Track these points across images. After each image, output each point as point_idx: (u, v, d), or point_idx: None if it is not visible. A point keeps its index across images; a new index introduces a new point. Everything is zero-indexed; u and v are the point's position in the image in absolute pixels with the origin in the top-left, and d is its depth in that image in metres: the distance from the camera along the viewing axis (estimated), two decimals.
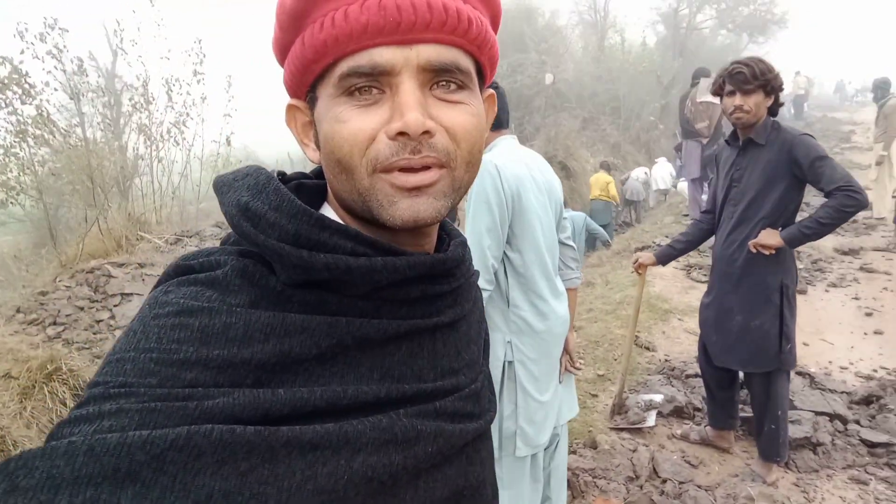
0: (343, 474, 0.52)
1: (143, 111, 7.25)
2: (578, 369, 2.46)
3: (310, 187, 0.71)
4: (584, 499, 2.74)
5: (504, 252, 2.11)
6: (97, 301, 5.01)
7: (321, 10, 0.58)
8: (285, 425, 0.51)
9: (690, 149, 8.03)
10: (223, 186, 0.64)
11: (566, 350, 2.33)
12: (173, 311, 0.54)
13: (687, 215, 8.79)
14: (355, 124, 0.58)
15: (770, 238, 2.65)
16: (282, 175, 0.69)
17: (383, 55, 0.57)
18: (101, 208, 6.37)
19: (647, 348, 4.58)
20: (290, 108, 0.68)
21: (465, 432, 0.65)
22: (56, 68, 6.35)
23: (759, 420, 2.97)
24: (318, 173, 0.73)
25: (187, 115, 7.74)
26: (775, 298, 2.74)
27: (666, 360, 4.38)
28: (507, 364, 2.15)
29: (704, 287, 5.88)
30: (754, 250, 2.70)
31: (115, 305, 4.89)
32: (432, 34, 0.58)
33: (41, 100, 6.10)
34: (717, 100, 8.02)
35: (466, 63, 0.61)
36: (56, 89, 6.54)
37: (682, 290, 5.85)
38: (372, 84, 0.58)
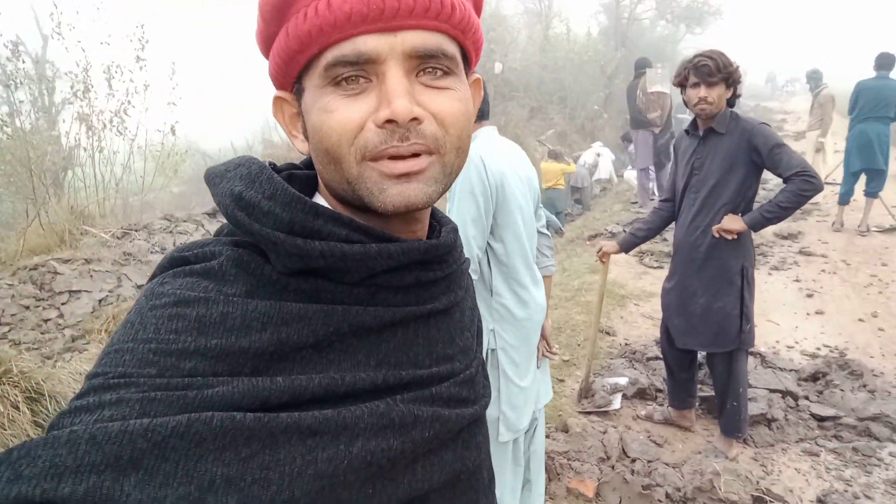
0: (343, 459, 0.53)
1: (84, 99, 6.90)
2: (555, 354, 2.52)
3: (301, 178, 0.71)
4: (560, 481, 2.82)
5: (487, 242, 2.13)
6: (43, 299, 4.78)
7: (304, 1, 0.58)
8: (285, 412, 0.51)
9: (642, 138, 8.24)
10: (215, 177, 0.64)
11: (543, 336, 2.38)
12: (170, 302, 0.55)
13: (636, 202, 9.03)
14: (343, 114, 0.58)
15: (733, 223, 2.76)
16: (272, 166, 0.69)
17: (368, 43, 0.57)
18: (42, 202, 6.06)
19: (608, 333, 4.71)
20: (276, 100, 0.68)
21: (462, 417, 0.67)
22: None
23: (722, 398, 3.11)
24: (308, 164, 0.73)
25: (129, 102, 7.43)
26: (737, 281, 2.87)
27: (626, 344, 4.52)
28: (489, 352, 2.18)
29: (657, 272, 6.11)
30: (717, 235, 2.81)
31: (62, 304, 4.68)
32: (416, 20, 0.58)
33: None
34: (667, 89, 8.27)
35: (451, 48, 0.61)
36: None
37: (636, 275, 6.03)
38: (358, 73, 0.58)
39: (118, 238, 6.01)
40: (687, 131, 3.00)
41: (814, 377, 3.96)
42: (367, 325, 0.60)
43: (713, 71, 2.70)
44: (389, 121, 0.57)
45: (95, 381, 0.50)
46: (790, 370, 4.08)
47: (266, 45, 0.65)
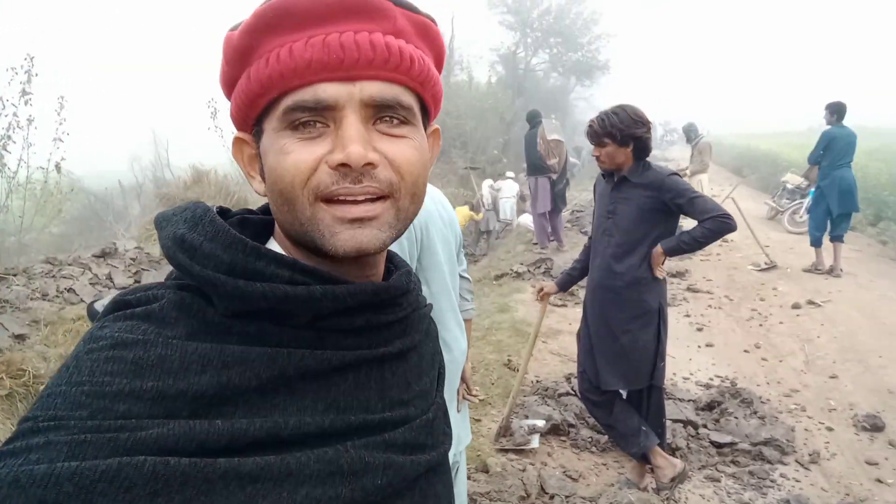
0: None
1: None
2: (475, 397, 2.54)
3: (254, 222, 0.71)
4: None
5: None
6: None
7: (267, 47, 0.60)
8: (224, 457, 0.50)
9: (542, 184, 8.63)
10: (162, 221, 0.64)
11: (463, 379, 2.40)
12: (107, 345, 0.53)
13: (536, 244, 9.38)
14: (298, 155, 0.59)
15: (657, 254, 2.93)
16: (225, 210, 0.70)
17: (327, 90, 0.59)
18: None
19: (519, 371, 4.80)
20: (236, 140, 0.69)
21: (417, 464, 0.65)
22: None
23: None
24: (264, 209, 0.74)
25: (9, 138, 6.90)
26: (655, 319, 3.01)
27: (538, 381, 4.62)
28: None
29: (561, 311, 6.34)
30: (661, 276, 2.97)
31: None
32: (375, 71, 0.60)
33: None
34: (562, 138, 8.72)
35: (409, 99, 0.63)
36: None
37: None
38: (316, 118, 0.60)
39: None
40: (603, 175, 3.16)
41: (710, 406, 4.23)
42: (313, 368, 0.59)
43: (595, 133, 2.97)
44: (343, 164, 0.58)
45: (25, 425, 0.48)
46: (688, 400, 4.33)
47: (228, 86, 0.66)
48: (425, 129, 0.69)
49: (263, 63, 0.60)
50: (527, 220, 11.01)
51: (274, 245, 0.69)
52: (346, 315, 0.63)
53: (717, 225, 2.79)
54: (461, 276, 2.45)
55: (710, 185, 9.46)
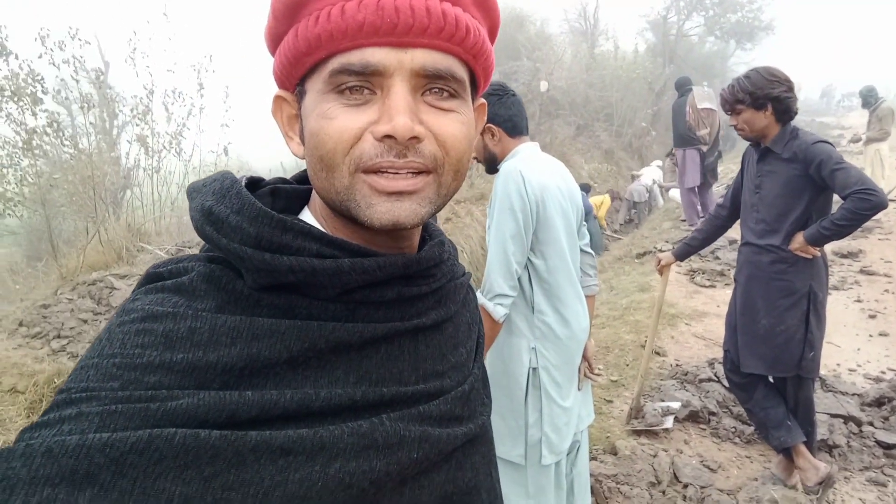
0: (317, 480, 0.51)
1: (143, 123, 7.21)
2: (598, 375, 2.45)
3: (287, 192, 0.70)
4: None
5: (528, 258, 2.10)
6: (101, 314, 4.96)
7: (318, 4, 0.58)
8: (255, 429, 0.50)
9: (690, 157, 8.05)
10: (192, 192, 0.64)
11: (585, 357, 2.32)
12: (138, 318, 0.54)
13: (685, 220, 8.82)
14: (342, 122, 0.57)
15: (798, 243, 2.65)
16: (258, 180, 0.69)
17: (376, 55, 0.56)
18: (102, 219, 6.32)
19: (658, 353, 4.57)
20: (277, 98, 0.67)
21: (453, 437, 0.64)
22: (72, 77, 6.35)
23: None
24: (299, 178, 0.73)
25: (184, 125, 7.72)
26: (802, 304, 2.72)
27: (677, 365, 4.38)
28: (531, 371, 2.14)
29: (709, 292, 5.94)
30: (811, 255, 2.69)
31: None
32: (429, 39, 0.57)
33: (51, 111, 6.09)
34: (715, 107, 8.08)
35: (461, 72, 0.61)
36: (66, 97, 6.53)
37: (687, 294, 5.86)
38: (363, 84, 0.57)
39: (173, 255, 6.20)
40: (753, 145, 2.92)
41: (879, 402, 3.75)
42: (345, 341, 0.59)
43: (725, 101, 2.77)
44: (388, 136, 0.56)
45: (59, 397, 0.50)
46: (853, 394, 3.88)
47: (274, 42, 0.64)
48: (472, 103, 0.66)
49: (313, 21, 0.58)
50: (675, 194, 10.40)
51: (307, 215, 0.68)
52: (377, 288, 0.62)
53: (858, 203, 2.44)
54: (583, 251, 2.37)
55: (891, 156, 8.33)
